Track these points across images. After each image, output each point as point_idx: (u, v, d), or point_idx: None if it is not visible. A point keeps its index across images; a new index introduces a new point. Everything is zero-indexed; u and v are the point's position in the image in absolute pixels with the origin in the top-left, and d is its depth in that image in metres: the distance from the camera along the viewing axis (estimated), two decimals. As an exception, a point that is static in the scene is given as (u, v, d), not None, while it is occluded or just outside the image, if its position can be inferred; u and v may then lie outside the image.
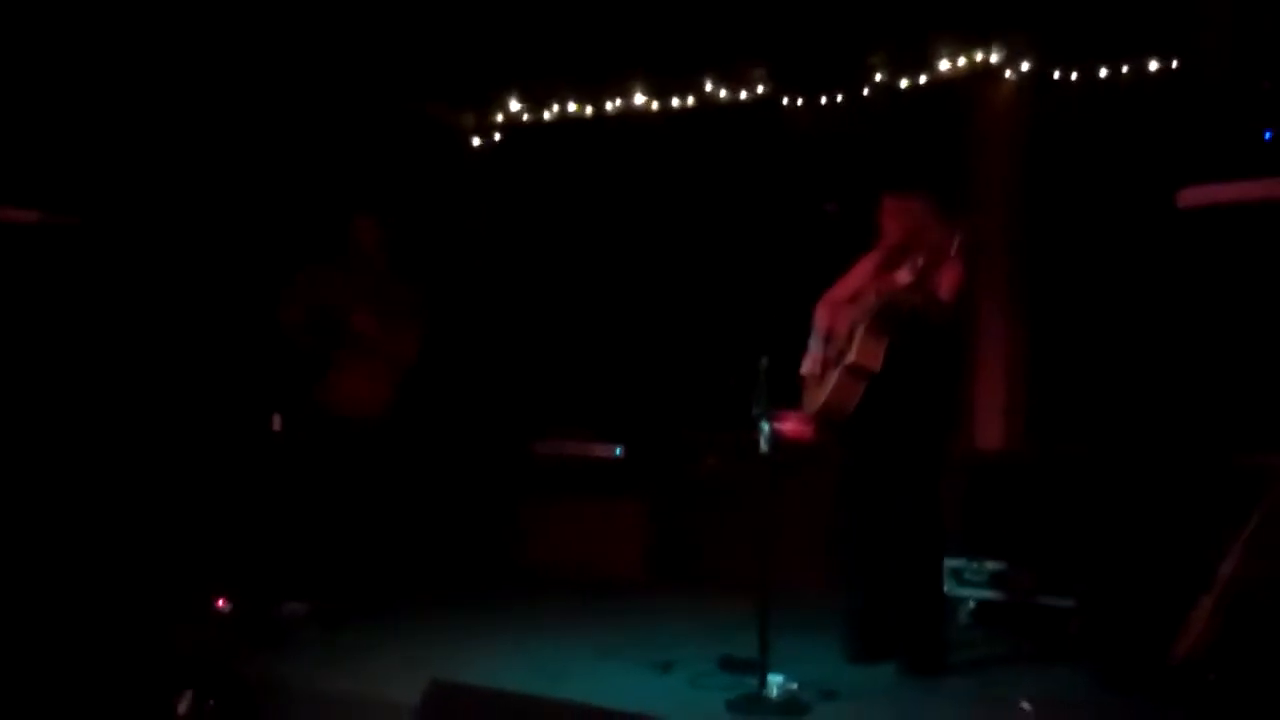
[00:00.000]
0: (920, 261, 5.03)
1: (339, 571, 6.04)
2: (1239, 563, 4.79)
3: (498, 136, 8.15)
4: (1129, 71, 6.36)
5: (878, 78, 6.89)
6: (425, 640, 5.65)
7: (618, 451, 7.24)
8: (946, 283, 5.12)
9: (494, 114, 8.07)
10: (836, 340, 5.32)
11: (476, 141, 8.16)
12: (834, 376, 5.22)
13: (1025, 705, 4.59)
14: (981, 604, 5.96)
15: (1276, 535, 4.84)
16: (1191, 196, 5.69)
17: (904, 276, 5.05)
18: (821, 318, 5.42)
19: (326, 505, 6.06)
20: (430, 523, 7.17)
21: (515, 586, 6.86)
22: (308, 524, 6.07)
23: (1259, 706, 4.53)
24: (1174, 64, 6.25)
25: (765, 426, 4.87)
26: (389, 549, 6.33)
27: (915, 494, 5.17)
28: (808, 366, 5.37)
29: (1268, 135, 5.87)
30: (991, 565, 5.92)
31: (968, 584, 5.94)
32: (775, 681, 4.75)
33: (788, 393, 5.24)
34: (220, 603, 5.91)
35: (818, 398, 5.29)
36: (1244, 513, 4.88)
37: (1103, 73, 6.42)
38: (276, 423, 6.05)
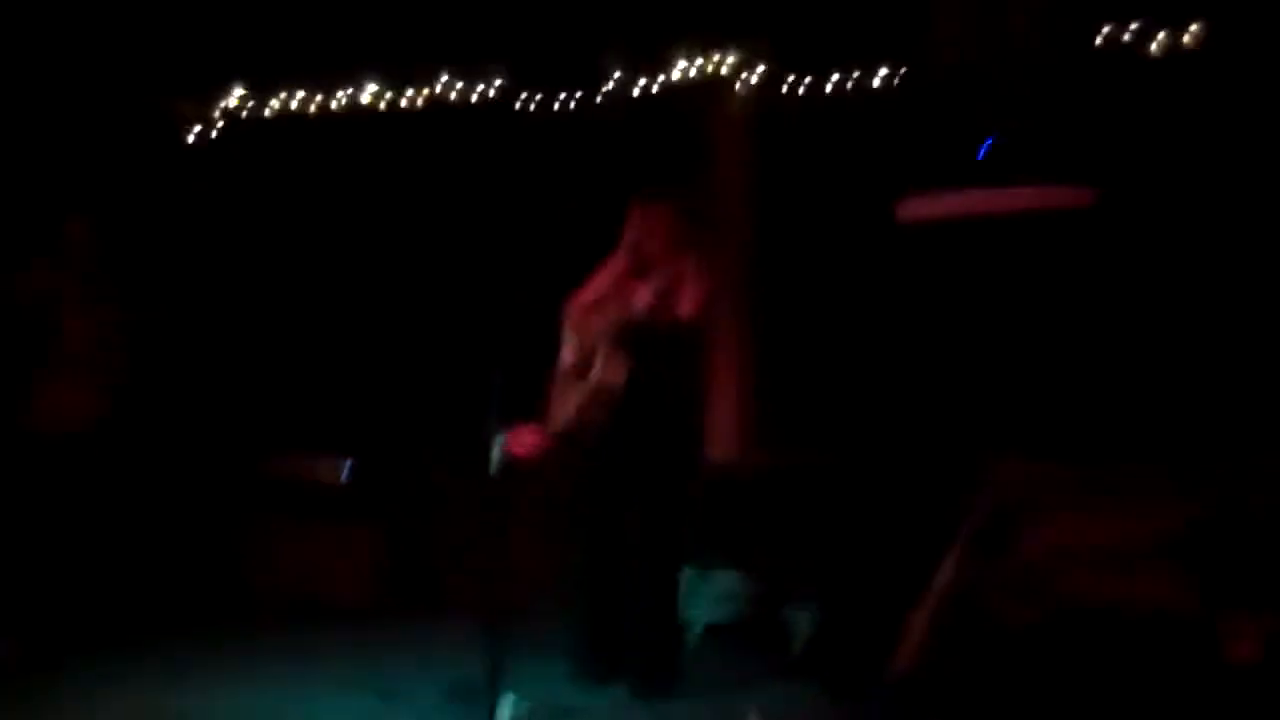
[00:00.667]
0: (659, 283, 5.03)
1: (51, 603, 5.71)
2: (954, 570, 4.93)
3: (217, 128, 7.74)
4: (859, 78, 6.46)
5: (614, 80, 6.83)
6: (145, 677, 5.38)
7: (346, 469, 6.96)
8: (689, 298, 5.12)
9: (214, 105, 7.66)
10: (584, 349, 5.25)
11: (194, 133, 7.73)
12: (579, 390, 5.17)
13: (753, 717, 4.64)
14: (712, 619, 5.97)
15: (989, 541, 5.00)
16: (908, 210, 5.81)
17: (642, 298, 5.02)
18: (570, 321, 5.34)
19: (32, 531, 5.71)
20: (146, 548, 6.78)
21: (237, 616, 6.54)
22: (12, 550, 5.71)
23: (974, 716, 4.66)
24: (902, 71, 6.38)
25: (496, 448, 4.75)
26: (107, 577, 6.01)
27: (660, 510, 5.17)
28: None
29: (988, 144, 6.03)
30: (724, 579, 5.95)
31: (697, 599, 5.95)
32: (506, 703, 4.65)
33: (521, 406, 5.13)
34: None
35: (568, 408, 5.21)
36: (958, 520, 5.02)
37: (833, 79, 6.50)
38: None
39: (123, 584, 6.36)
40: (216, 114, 7.69)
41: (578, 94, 6.99)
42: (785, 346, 6.55)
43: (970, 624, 4.86)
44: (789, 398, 6.50)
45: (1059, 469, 5.32)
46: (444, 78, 7.20)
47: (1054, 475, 5.29)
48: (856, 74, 6.48)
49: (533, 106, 7.06)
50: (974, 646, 4.82)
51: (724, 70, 6.56)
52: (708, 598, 5.90)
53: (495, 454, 4.75)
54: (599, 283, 5.36)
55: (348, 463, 6.87)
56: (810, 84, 6.56)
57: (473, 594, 5.10)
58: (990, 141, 6.04)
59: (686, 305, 5.12)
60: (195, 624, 6.37)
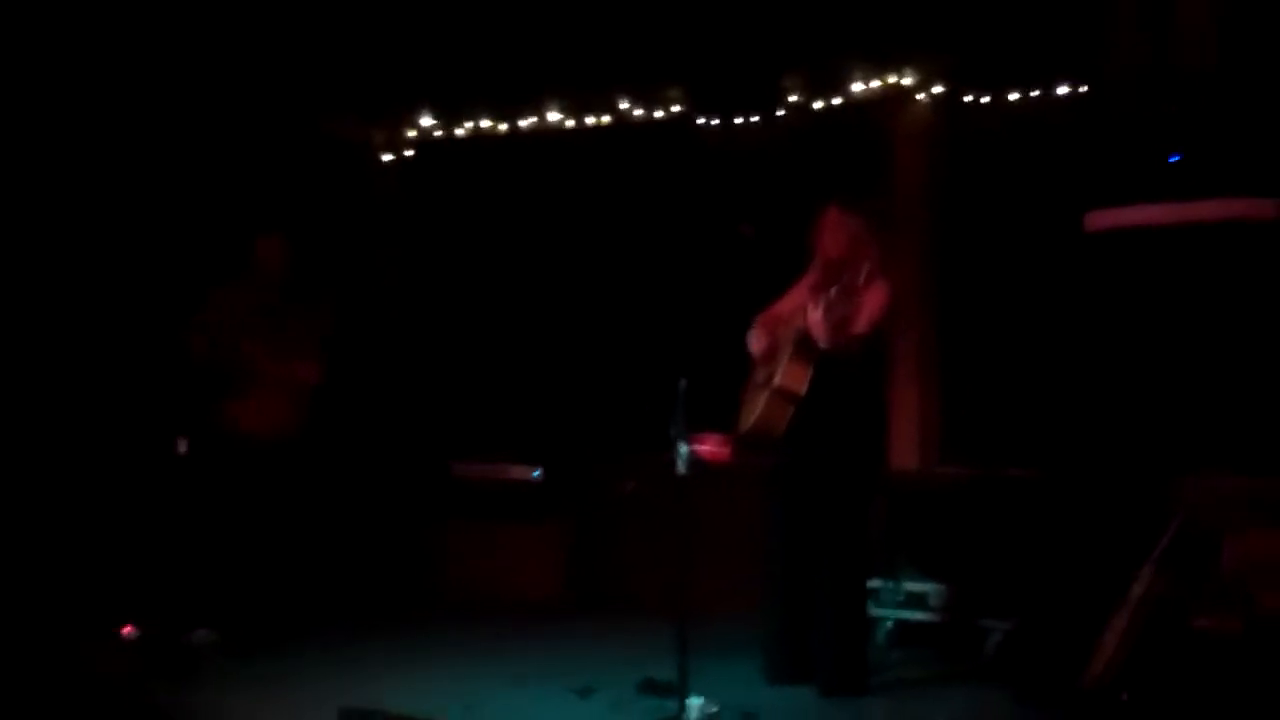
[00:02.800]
0: (833, 292, 5.06)
1: (248, 598, 5.91)
2: (1149, 583, 4.87)
3: (409, 153, 8.05)
4: (1039, 95, 6.45)
5: (792, 99, 6.93)
6: (337, 668, 5.55)
7: (536, 474, 7.17)
8: (868, 308, 5.15)
9: (405, 130, 7.97)
10: (770, 360, 5.32)
11: (387, 158, 8.05)
12: (764, 397, 5.24)
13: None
14: (899, 624, 5.98)
15: (1185, 555, 4.93)
16: (1098, 220, 5.78)
17: (815, 313, 5.06)
18: (759, 335, 5.42)
19: (234, 530, 5.92)
20: (344, 546, 7.04)
21: (432, 612, 6.75)
22: (216, 549, 5.93)
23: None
24: (1083, 88, 6.35)
25: (682, 448, 4.85)
26: (299, 574, 6.20)
27: (842, 515, 5.19)
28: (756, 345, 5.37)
29: (1173, 159, 5.97)
30: (909, 586, 5.95)
31: (885, 604, 5.96)
32: (695, 704, 4.73)
33: (706, 414, 5.22)
34: (127, 630, 5.77)
35: (752, 413, 5.29)
36: (1155, 533, 4.96)
37: (1013, 96, 6.50)
38: (182, 446, 5.90)
39: (321, 581, 6.62)
40: (407, 138, 8.00)
41: (756, 115, 7.10)
42: (969, 358, 6.54)
43: (1167, 635, 4.80)
44: (973, 408, 6.48)
45: (1255, 482, 5.24)
46: (624, 102, 7.37)
47: (1250, 489, 5.21)
48: (1035, 92, 6.47)
49: (713, 124, 7.18)
50: (1171, 657, 4.76)
51: (905, 83, 6.60)
52: (893, 604, 5.91)
53: (682, 456, 4.86)
54: (790, 297, 5.44)
55: (537, 469, 7.09)
56: (990, 101, 6.56)
57: (660, 593, 5.15)
58: (1176, 156, 5.97)
59: (867, 315, 5.16)
60: (388, 619, 6.58)
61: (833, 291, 5.06)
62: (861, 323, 5.15)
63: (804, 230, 5.44)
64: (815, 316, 5.05)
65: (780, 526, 5.32)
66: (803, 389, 5.16)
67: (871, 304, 5.17)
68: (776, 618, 5.33)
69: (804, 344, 5.16)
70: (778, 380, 5.19)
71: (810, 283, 5.33)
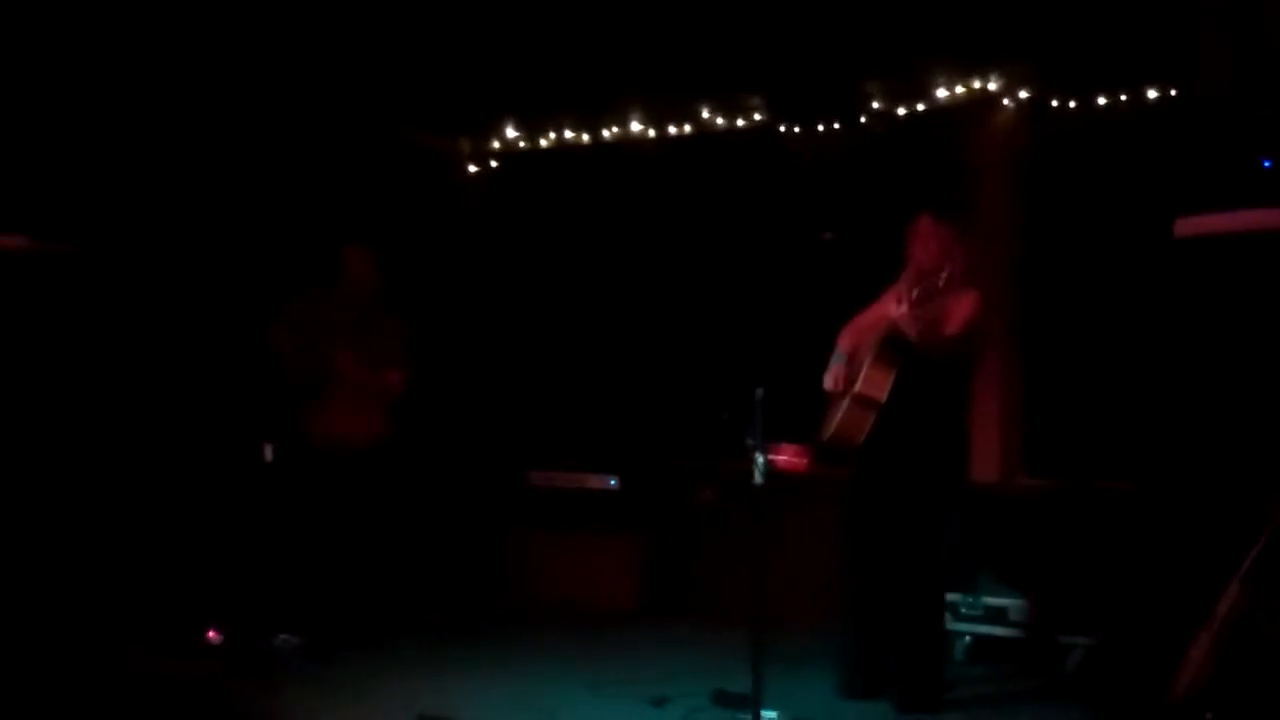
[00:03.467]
0: (915, 293, 5.01)
1: (331, 604, 5.99)
2: (1236, 599, 4.74)
3: (494, 164, 8.13)
4: (1127, 100, 6.34)
5: (875, 105, 6.88)
6: (416, 674, 5.59)
7: (613, 483, 7.21)
8: (959, 314, 5.09)
9: (490, 141, 8.06)
10: (855, 366, 5.27)
11: (472, 169, 8.14)
12: (844, 404, 5.19)
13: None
14: (978, 639, 5.89)
15: (1272, 572, 4.79)
16: (1188, 226, 5.65)
17: (894, 307, 5.04)
18: (845, 340, 5.36)
19: (318, 536, 6.00)
20: (423, 554, 7.12)
21: (509, 619, 6.80)
22: (299, 555, 6.02)
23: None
24: (1172, 92, 6.23)
25: (760, 458, 4.82)
26: (381, 581, 6.27)
27: (921, 527, 5.12)
28: (829, 383, 5.30)
29: (1266, 164, 5.82)
30: (988, 600, 5.86)
31: (964, 619, 5.87)
32: (769, 718, 4.71)
33: (783, 423, 5.18)
34: (211, 634, 5.88)
35: (832, 421, 5.25)
36: (1243, 549, 4.83)
37: (1101, 101, 6.39)
38: (268, 453, 6.00)
39: (402, 588, 6.69)
40: (492, 149, 8.08)
41: (838, 122, 7.06)
42: (1053, 369, 6.43)
43: (1254, 653, 4.67)
44: (1057, 419, 6.37)
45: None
46: (705, 111, 7.37)
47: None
48: (1123, 96, 6.35)
49: (795, 131, 7.16)
50: (1257, 675, 4.63)
51: (990, 88, 6.52)
52: (972, 619, 5.82)
53: (759, 466, 4.83)
54: (879, 304, 5.36)
55: (614, 478, 7.11)
56: (1076, 105, 6.45)
57: (735, 603, 5.13)
58: (1268, 161, 5.83)
59: (954, 323, 5.08)
60: (465, 627, 6.61)
61: (915, 293, 5.02)
62: (954, 325, 5.07)
63: (886, 238, 5.37)
64: (901, 310, 5.01)
65: (857, 538, 5.26)
66: (884, 396, 5.08)
67: (963, 308, 5.09)
68: (852, 631, 5.27)
69: (886, 350, 5.09)
70: (858, 387, 5.12)
71: (900, 291, 5.27)
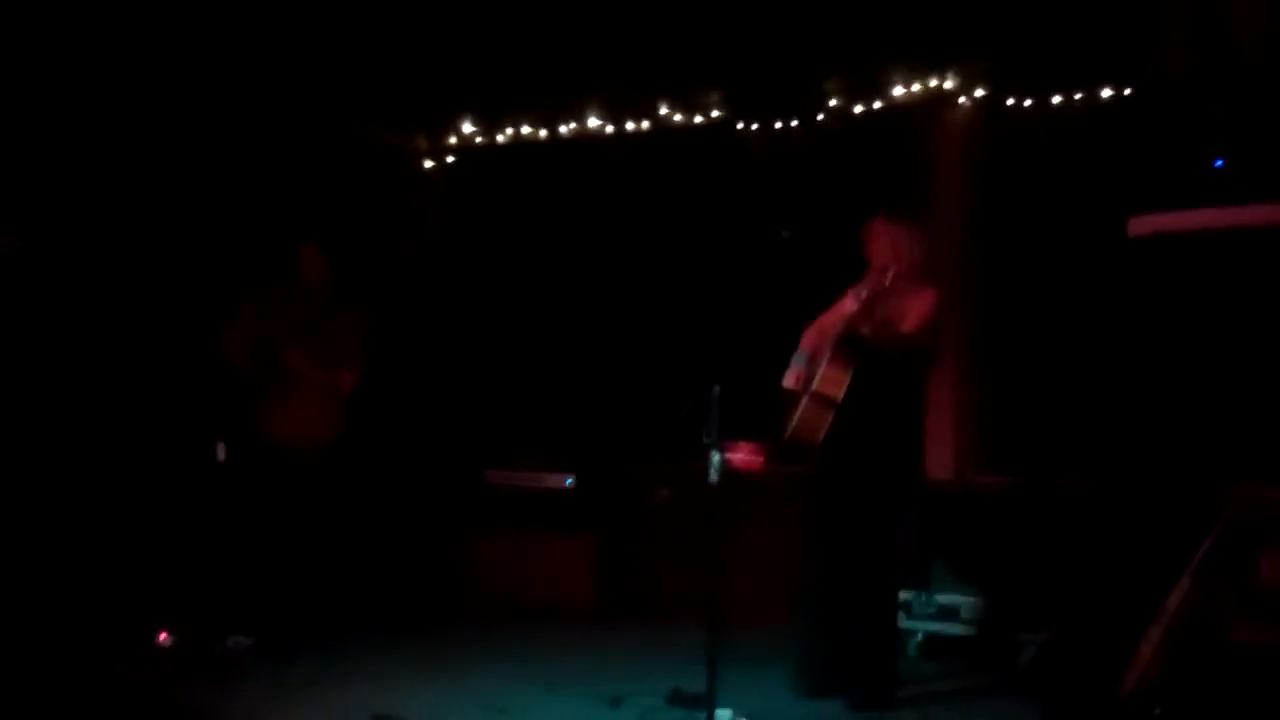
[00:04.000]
0: (865, 291, 5.03)
1: (284, 604, 5.94)
2: (1186, 594, 4.78)
3: (451, 160, 8.09)
4: (1082, 99, 6.37)
5: (832, 103, 6.89)
6: (370, 674, 5.56)
7: (568, 482, 7.19)
8: (916, 311, 5.11)
9: (447, 137, 8.02)
10: (815, 365, 5.28)
11: (429, 164, 8.09)
12: (804, 403, 5.20)
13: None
14: (930, 636, 5.91)
15: (1222, 567, 4.83)
16: (1141, 225, 5.69)
17: (849, 305, 5.05)
18: (808, 339, 5.39)
19: (270, 537, 5.95)
20: (377, 554, 7.08)
21: (463, 618, 6.77)
22: (252, 555, 5.97)
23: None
24: (1126, 92, 6.27)
25: (715, 456, 4.82)
26: (335, 581, 6.23)
27: (875, 525, 5.13)
28: (789, 382, 5.32)
29: (1218, 164, 5.87)
30: (940, 598, 5.88)
31: (917, 616, 5.89)
32: (723, 716, 4.71)
33: (741, 422, 5.19)
34: (162, 636, 5.83)
35: (792, 420, 5.26)
36: (1194, 544, 4.87)
37: (1056, 100, 6.42)
38: (220, 452, 5.94)
39: (355, 587, 6.65)
40: (449, 145, 8.04)
41: (796, 119, 7.06)
42: (1007, 366, 6.46)
43: (1203, 647, 4.70)
44: (1009, 418, 6.40)
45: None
46: (663, 107, 7.36)
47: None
48: (1078, 95, 6.39)
49: (753, 128, 7.16)
50: (1207, 670, 4.66)
51: (946, 87, 6.54)
52: (924, 616, 5.85)
53: (714, 464, 4.82)
54: (842, 304, 5.37)
55: (570, 477, 7.09)
56: (1032, 104, 6.48)
57: (691, 602, 5.13)
58: (1220, 161, 5.87)
59: (911, 320, 5.11)
60: (420, 627, 6.58)
61: (865, 291, 5.06)
62: (911, 322, 5.10)
63: (843, 235, 5.39)
64: (853, 308, 5.06)
65: (813, 536, 5.27)
66: (841, 394, 5.09)
67: (921, 305, 5.12)
68: (807, 630, 5.27)
69: (842, 348, 5.11)
70: (816, 385, 5.14)
71: (860, 292, 5.29)
